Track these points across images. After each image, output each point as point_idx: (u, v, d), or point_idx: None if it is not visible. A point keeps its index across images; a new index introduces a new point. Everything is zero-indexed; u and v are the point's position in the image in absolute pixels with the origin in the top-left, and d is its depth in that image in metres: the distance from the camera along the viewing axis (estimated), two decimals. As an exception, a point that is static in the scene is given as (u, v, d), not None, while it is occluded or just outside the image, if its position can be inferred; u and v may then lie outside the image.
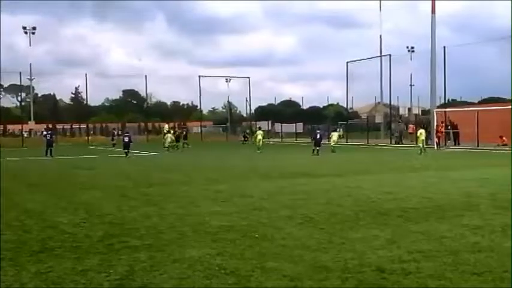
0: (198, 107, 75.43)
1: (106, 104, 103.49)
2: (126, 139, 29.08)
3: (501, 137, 36.12)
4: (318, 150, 28.34)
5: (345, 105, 61.74)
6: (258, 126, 45.64)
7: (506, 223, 7.83)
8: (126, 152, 28.36)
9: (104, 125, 79.89)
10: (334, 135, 33.27)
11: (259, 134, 34.66)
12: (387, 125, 54.09)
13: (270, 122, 70.12)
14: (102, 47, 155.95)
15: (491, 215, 8.58)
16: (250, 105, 74.10)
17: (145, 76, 59.30)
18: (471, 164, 21.29)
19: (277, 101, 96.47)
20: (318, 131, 31.05)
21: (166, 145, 34.66)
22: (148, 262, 5.90)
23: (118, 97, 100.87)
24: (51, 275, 5.47)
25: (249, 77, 66.65)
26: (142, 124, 75.85)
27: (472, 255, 6.02)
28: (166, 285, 5.11)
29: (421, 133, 30.45)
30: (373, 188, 12.67)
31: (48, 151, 28.94)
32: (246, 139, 49.08)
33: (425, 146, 29.96)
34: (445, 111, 42.23)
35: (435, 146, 35.23)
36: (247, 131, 52.46)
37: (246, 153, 32.58)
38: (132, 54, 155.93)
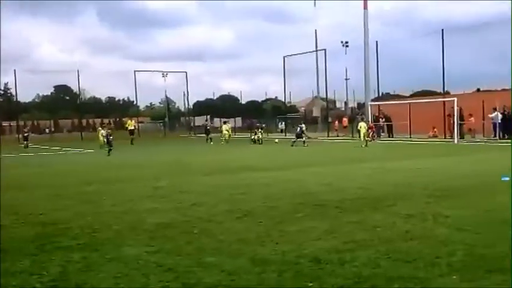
0: (135, 103, 74.01)
1: (37, 100, 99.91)
2: (111, 137, 27.93)
3: (433, 127, 37.61)
4: (302, 141, 32.00)
5: (283, 100, 62.33)
6: (223, 121, 45.39)
7: (437, 211, 8.14)
8: (109, 150, 26.63)
9: (35, 122, 77.19)
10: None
11: (224, 129, 37.22)
12: (324, 118, 55.11)
13: (208, 117, 69.86)
14: (32, 43, 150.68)
15: (423, 204, 8.90)
16: (188, 100, 73.56)
17: (78, 71, 57.52)
18: (404, 155, 22.03)
19: (216, 96, 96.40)
20: (300, 126, 35.02)
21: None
22: (83, 262, 5.75)
23: (49, 93, 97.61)
24: (-21, 279, 5.23)
25: (186, 72, 66.01)
26: (76, 121, 73.81)
27: (405, 243, 6.22)
28: (102, 285, 4.99)
29: (362, 126, 31.22)
30: (312, 180, 12.87)
31: None
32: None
33: (367, 138, 30.64)
34: (378, 104, 43.48)
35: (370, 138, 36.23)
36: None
37: (185, 148, 32.36)
38: (63, 49, 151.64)
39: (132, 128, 40.82)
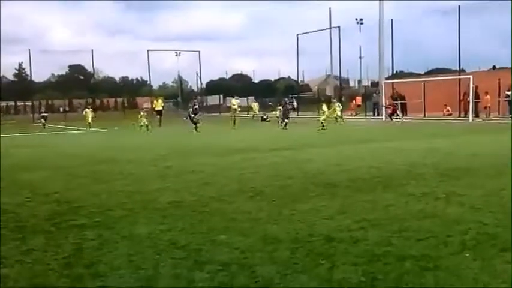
0: (148, 82, 74.08)
1: (52, 80, 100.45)
2: (193, 114, 27.21)
3: (445, 105, 37.21)
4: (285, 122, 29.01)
5: (296, 79, 62.01)
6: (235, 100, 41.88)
7: (449, 190, 8.09)
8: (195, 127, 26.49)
9: (49, 101, 77.64)
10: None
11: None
12: (338, 97, 54.80)
13: (221, 96, 69.73)
14: (45, 25, 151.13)
15: (435, 183, 8.84)
16: (201, 80, 73.46)
17: (92, 50, 57.76)
18: (417, 134, 21.88)
19: (229, 75, 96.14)
20: (286, 101, 33.02)
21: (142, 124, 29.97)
22: (97, 240, 5.80)
23: (64, 73, 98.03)
24: (-5, 256, 5.30)
25: (199, 51, 65.82)
26: (90, 100, 74.11)
27: (417, 222, 6.20)
28: (116, 262, 5.03)
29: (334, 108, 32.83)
30: (323, 160, 12.83)
31: None
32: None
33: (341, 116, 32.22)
34: (392, 82, 43.08)
35: (383, 117, 35.99)
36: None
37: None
38: (76, 31, 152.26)
39: (160, 108, 37.42)
